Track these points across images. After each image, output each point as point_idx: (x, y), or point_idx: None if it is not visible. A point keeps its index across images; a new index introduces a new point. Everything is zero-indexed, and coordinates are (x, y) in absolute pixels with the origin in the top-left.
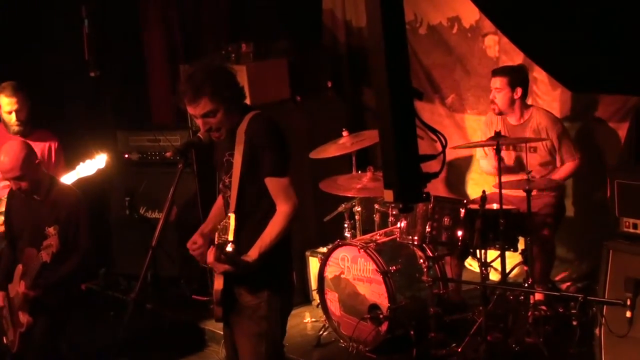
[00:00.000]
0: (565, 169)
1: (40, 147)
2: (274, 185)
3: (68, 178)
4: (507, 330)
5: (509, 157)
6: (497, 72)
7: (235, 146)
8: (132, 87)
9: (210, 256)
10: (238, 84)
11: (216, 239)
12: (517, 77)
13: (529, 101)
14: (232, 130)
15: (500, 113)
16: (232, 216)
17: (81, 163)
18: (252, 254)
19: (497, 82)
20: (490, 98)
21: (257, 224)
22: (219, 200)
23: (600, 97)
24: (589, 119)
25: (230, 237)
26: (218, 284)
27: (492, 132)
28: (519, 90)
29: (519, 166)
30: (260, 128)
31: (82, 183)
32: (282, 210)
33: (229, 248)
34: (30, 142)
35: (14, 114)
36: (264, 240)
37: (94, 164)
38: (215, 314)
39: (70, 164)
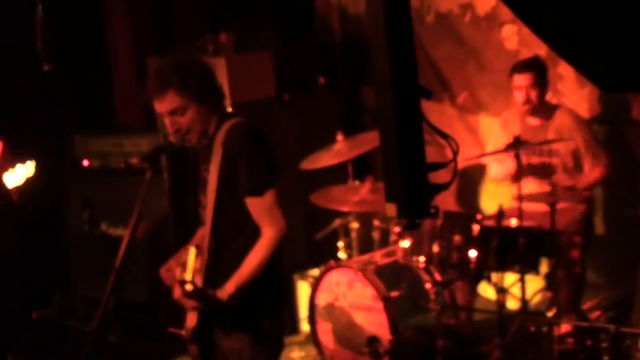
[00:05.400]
0: (591, 176)
1: None
2: (254, 205)
3: None
4: None
5: (528, 162)
6: (523, 68)
7: (211, 159)
8: (92, 83)
9: (177, 291)
10: (214, 81)
11: (178, 274)
12: (543, 70)
13: (554, 100)
14: (210, 139)
15: (533, 112)
16: (192, 250)
17: (10, 169)
18: (229, 287)
19: (526, 79)
20: (521, 99)
21: (239, 253)
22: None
23: (634, 97)
24: (621, 121)
25: (189, 276)
26: (191, 320)
27: (509, 135)
28: (547, 85)
29: (541, 173)
30: (237, 138)
31: (32, 192)
32: (266, 236)
33: (188, 287)
34: None
35: None
36: (243, 272)
37: (22, 171)
38: (190, 352)
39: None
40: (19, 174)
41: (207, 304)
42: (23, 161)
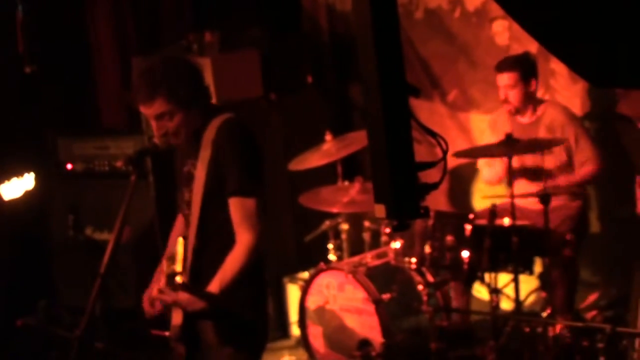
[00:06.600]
0: (582, 172)
1: None
2: (237, 207)
3: None
4: None
5: (520, 161)
6: (504, 66)
7: (199, 155)
8: (75, 85)
9: (159, 285)
10: (202, 83)
11: (165, 268)
12: (529, 68)
13: (546, 96)
14: (196, 134)
15: (517, 112)
16: (180, 241)
17: (6, 182)
18: (212, 289)
19: (507, 79)
20: (501, 98)
21: (221, 250)
22: (179, 220)
23: (627, 92)
24: (614, 117)
25: (179, 268)
26: (176, 318)
27: (500, 133)
28: (534, 82)
29: (534, 172)
30: (229, 137)
31: (16, 199)
32: (244, 241)
33: (179, 280)
34: None
35: None
36: (226, 274)
37: (21, 184)
38: (177, 353)
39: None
40: (17, 187)
41: (194, 295)
42: (18, 173)
